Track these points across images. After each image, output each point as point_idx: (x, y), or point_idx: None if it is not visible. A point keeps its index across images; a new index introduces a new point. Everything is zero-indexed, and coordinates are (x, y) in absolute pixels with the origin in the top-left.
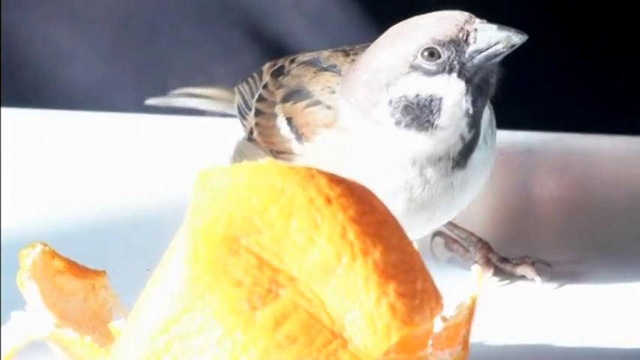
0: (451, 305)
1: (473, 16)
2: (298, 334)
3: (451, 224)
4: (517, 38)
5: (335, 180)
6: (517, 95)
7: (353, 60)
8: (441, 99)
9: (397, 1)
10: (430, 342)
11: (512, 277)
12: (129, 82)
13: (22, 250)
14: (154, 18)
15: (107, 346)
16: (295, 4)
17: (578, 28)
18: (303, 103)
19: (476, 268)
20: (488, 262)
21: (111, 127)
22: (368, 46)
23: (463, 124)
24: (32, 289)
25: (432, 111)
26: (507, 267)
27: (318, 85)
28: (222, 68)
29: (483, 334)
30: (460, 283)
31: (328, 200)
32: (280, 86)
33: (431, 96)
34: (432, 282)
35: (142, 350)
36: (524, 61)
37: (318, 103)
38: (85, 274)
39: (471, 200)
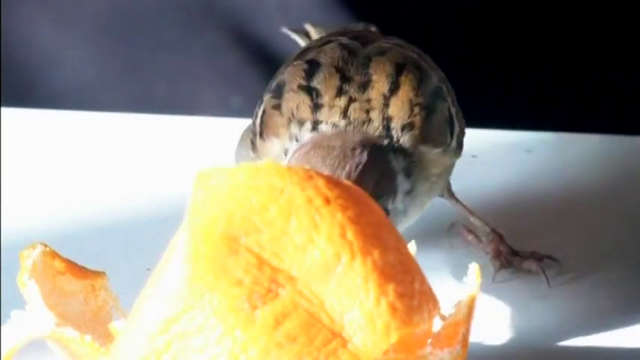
0: (451, 303)
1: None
2: (298, 333)
3: (468, 210)
4: None
5: (333, 182)
6: (517, 95)
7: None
8: None
9: (385, 2)
10: (429, 341)
11: (519, 272)
12: (116, 84)
13: (23, 250)
14: (140, 20)
15: (107, 346)
16: (280, 5)
17: (578, 29)
18: (273, 101)
19: (473, 267)
20: (499, 255)
21: (111, 127)
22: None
23: None
24: (32, 289)
25: None
26: (515, 260)
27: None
28: (207, 69)
29: (483, 333)
30: (462, 281)
31: (327, 200)
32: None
33: None
34: (428, 284)
35: (141, 349)
36: (524, 62)
37: (279, 107)
38: (84, 275)
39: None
